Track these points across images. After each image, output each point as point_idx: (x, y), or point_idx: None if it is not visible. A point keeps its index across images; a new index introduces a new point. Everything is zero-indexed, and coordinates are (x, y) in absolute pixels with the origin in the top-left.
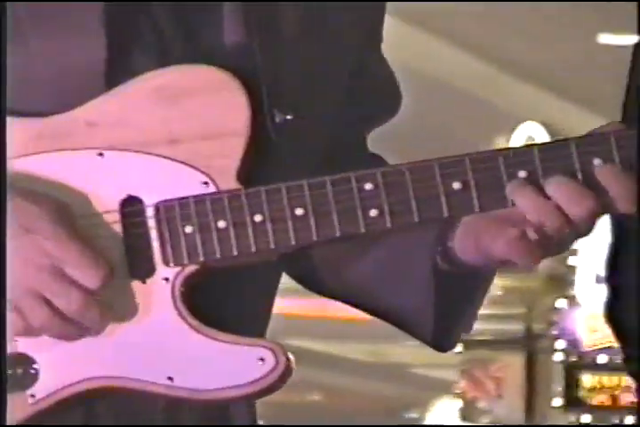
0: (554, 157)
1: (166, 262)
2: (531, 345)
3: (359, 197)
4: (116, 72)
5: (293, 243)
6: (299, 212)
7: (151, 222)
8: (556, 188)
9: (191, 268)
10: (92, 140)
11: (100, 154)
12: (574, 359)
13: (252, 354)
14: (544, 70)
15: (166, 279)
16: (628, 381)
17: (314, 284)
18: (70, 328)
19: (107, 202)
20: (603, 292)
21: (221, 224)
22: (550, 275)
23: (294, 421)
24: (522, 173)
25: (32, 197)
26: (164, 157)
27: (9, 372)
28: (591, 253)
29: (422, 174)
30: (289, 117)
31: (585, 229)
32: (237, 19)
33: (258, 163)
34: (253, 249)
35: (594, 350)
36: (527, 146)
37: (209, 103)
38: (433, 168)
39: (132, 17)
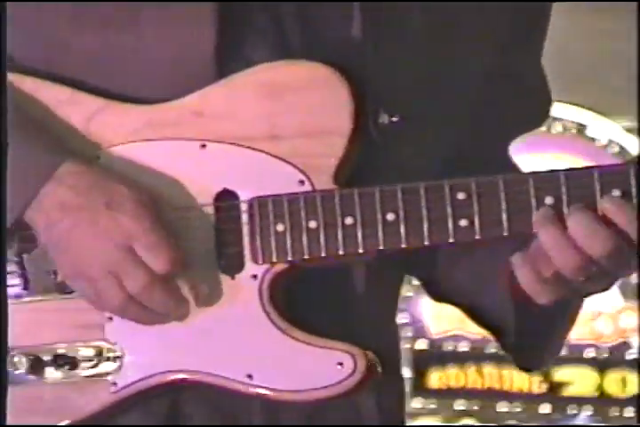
0: (577, 184)
1: (255, 260)
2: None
3: (451, 206)
4: (228, 60)
5: (381, 248)
6: (390, 217)
7: (244, 218)
8: (575, 225)
9: (280, 266)
10: (197, 130)
11: (203, 145)
12: (423, 347)
13: (332, 358)
14: None
15: (254, 276)
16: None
17: (432, 286)
18: (141, 312)
19: (203, 193)
20: None
21: (312, 224)
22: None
23: None
24: (549, 200)
25: (122, 179)
26: (264, 153)
27: (93, 360)
28: None
29: (516, 187)
30: (395, 119)
31: (615, 266)
32: (361, 15)
33: (358, 164)
34: (341, 252)
35: (441, 338)
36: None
37: (312, 100)
38: (527, 181)
39: (247, 5)
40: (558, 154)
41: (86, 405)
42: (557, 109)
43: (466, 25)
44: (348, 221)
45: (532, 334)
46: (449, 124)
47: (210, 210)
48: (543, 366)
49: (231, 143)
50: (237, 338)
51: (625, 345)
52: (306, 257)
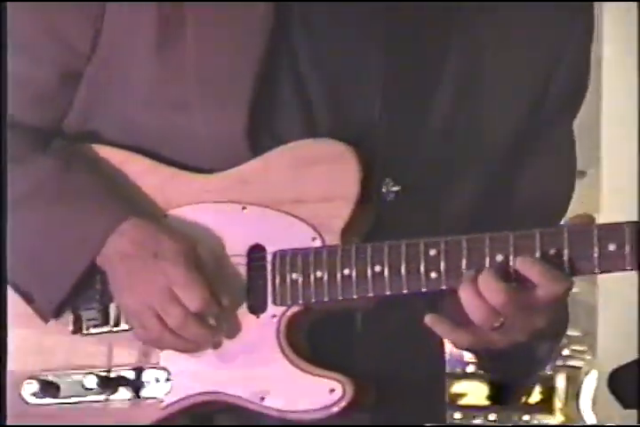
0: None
1: (275, 302)
2: None
3: (424, 260)
4: (260, 136)
5: (371, 295)
6: (377, 269)
7: (269, 267)
8: (480, 280)
9: (294, 309)
10: (240, 194)
11: (244, 208)
12: None
13: (325, 385)
14: None
15: (274, 316)
16: None
17: None
18: (178, 342)
19: (239, 246)
20: None
21: (319, 274)
22: None
23: None
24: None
25: (172, 233)
26: (289, 214)
27: (148, 381)
28: None
29: (475, 245)
30: (396, 189)
31: (522, 317)
32: (382, 99)
33: (365, 223)
34: (340, 297)
35: None
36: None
37: (330, 171)
38: (484, 241)
39: (278, 86)
40: None
41: (138, 416)
42: None
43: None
44: (346, 271)
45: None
46: (461, 191)
47: (243, 260)
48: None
49: (265, 206)
50: (256, 366)
51: None
52: (313, 301)
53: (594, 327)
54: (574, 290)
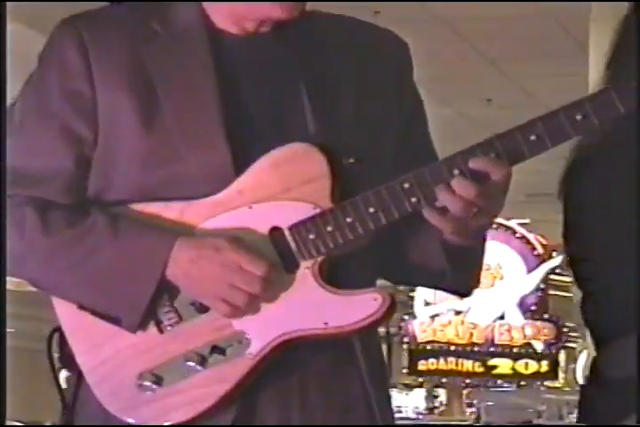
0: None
1: (304, 258)
2: (389, 339)
3: (403, 192)
4: (241, 164)
5: (372, 227)
6: (371, 210)
7: (290, 239)
8: (454, 184)
9: (319, 258)
10: (242, 200)
11: (250, 207)
12: (413, 347)
13: (369, 296)
14: None
15: (307, 268)
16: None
17: (391, 273)
18: (258, 303)
19: (261, 233)
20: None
21: (329, 228)
22: (400, 301)
23: None
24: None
25: (217, 235)
26: (286, 199)
27: (232, 344)
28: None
29: (435, 168)
30: (351, 161)
31: (487, 205)
32: (313, 118)
33: (340, 189)
34: (351, 237)
35: (423, 342)
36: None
37: (302, 162)
38: (441, 165)
39: (249, 128)
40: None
41: (236, 371)
42: None
43: (381, 110)
44: (349, 219)
45: (460, 265)
46: (382, 163)
47: (268, 239)
48: (473, 289)
49: (265, 200)
50: (309, 304)
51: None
52: (332, 246)
53: None
54: (570, 294)
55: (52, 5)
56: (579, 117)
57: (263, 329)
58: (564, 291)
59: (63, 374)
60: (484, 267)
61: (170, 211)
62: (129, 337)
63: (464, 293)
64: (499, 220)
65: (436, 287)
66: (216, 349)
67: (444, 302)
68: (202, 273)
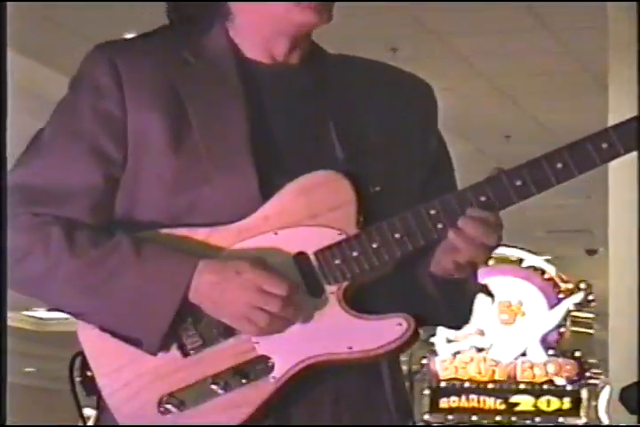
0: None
1: (329, 283)
2: (411, 377)
3: (429, 218)
4: (267, 191)
5: (398, 253)
6: (396, 235)
7: (314, 262)
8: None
9: (344, 283)
10: (269, 226)
11: (276, 233)
12: (435, 385)
13: (393, 321)
14: None
15: (332, 293)
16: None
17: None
18: (281, 323)
19: (286, 256)
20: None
21: (355, 254)
22: (422, 340)
23: None
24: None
25: (240, 258)
26: (312, 225)
27: (255, 368)
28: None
29: (460, 196)
30: (377, 189)
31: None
32: (341, 148)
33: (367, 217)
34: (376, 263)
35: (445, 379)
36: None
37: (328, 189)
38: (466, 192)
39: (272, 152)
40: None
41: (259, 395)
42: (509, 251)
43: (402, 135)
44: (374, 245)
45: (453, 300)
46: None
47: (293, 263)
48: (467, 322)
49: (291, 226)
50: (333, 328)
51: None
52: (357, 271)
53: (606, 356)
54: (592, 331)
55: (54, 34)
56: (604, 146)
57: (287, 353)
58: (585, 327)
59: (86, 412)
60: (506, 304)
61: (196, 236)
62: (151, 360)
63: (455, 326)
64: (519, 256)
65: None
66: (239, 372)
67: (466, 339)
68: (223, 296)
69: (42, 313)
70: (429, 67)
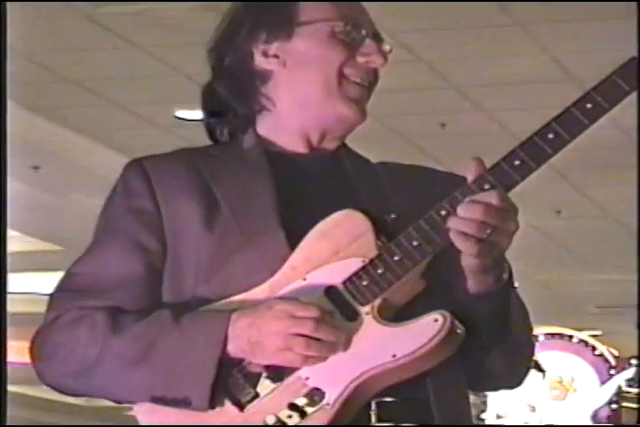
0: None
1: (361, 304)
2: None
3: (441, 220)
4: (294, 243)
5: (420, 259)
6: (415, 243)
7: (344, 291)
8: (460, 211)
9: (377, 301)
10: (297, 275)
11: (304, 278)
12: None
13: (430, 318)
14: None
15: (367, 313)
16: None
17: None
18: (320, 346)
19: (317, 293)
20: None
21: (380, 271)
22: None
23: None
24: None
25: (272, 299)
26: (335, 262)
27: (310, 402)
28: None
29: (463, 192)
30: (393, 216)
31: (501, 222)
32: (367, 192)
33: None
34: (403, 273)
35: None
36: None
37: (348, 225)
38: (470, 186)
39: (300, 210)
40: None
41: (319, 423)
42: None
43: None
44: (396, 257)
45: (496, 317)
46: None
47: (323, 297)
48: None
49: (316, 269)
50: (375, 344)
51: None
52: (386, 286)
53: None
54: None
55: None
56: (589, 106)
57: (335, 378)
58: (637, 403)
59: None
60: (557, 379)
61: (232, 302)
62: (212, 419)
63: (513, 384)
64: (570, 332)
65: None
66: (294, 409)
67: (516, 415)
68: (261, 333)
69: None
70: (477, 142)
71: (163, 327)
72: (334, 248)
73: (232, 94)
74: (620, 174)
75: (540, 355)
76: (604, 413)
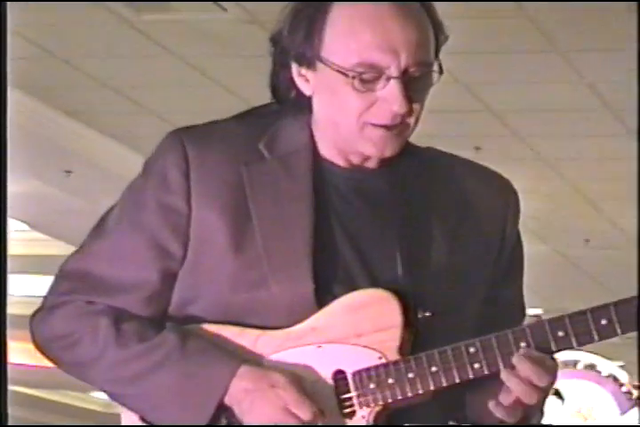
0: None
1: (361, 406)
2: None
3: (467, 356)
4: (323, 295)
5: (432, 388)
6: (433, 369)
7: (351, 384)
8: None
9: (377, 408)
10: (314, 338)
11: (319, 346)
12: None
13: None
14: None
15: (363, 417)
16: None
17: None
18: None
19: (325, 374)
20: None
21: (390, 381)
22: None
23: None
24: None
25: (277, 370)
26: (356, 345)
27: None
28: None
29: (501, 339)
30: (428, 314)
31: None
32: (402, 262)
33: (410, 341)
34: (410, 394)
35: None
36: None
37: (377, 309)
38: (507, 335)
39: (334, 259)
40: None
41: None
42: (577, 353)
43: (472, 266)
44: (410, 375)
45: None
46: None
47: (330, 382)
48: None
49: (334, 342)
50: None
51: None
52: (390, 400)
53: None
54: None
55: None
56: None
57: None
58: None
59: None
60: (576, 408)
61: (244, 337)
62: None
63: None
64: (592, 360)
65: None
66: None
67: None
68: (251, 406)
69: None
70: (512, 167)
71: (168, 354)
72: (357, 330)
73: (282, 85)
74: None
75: (560, 382)
76: None
